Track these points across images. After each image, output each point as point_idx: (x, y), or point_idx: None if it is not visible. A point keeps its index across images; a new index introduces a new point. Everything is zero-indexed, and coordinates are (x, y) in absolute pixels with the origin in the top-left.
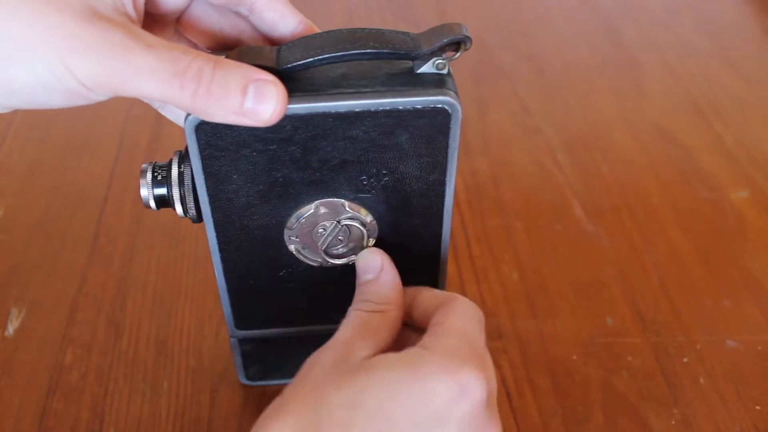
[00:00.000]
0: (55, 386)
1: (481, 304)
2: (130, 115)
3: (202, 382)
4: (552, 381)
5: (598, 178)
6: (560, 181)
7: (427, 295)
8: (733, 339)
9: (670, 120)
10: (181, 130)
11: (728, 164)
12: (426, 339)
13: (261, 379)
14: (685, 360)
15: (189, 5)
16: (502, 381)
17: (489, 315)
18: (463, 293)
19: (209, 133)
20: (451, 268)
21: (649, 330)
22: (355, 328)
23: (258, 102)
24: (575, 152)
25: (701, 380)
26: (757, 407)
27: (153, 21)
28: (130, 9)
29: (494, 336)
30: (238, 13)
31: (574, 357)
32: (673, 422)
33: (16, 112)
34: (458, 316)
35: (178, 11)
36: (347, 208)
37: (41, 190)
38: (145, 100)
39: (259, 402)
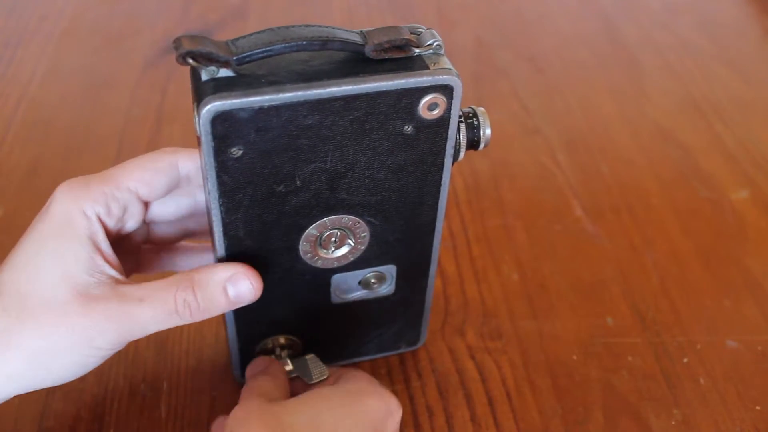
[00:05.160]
0: (55, 386)
1: (481, 304)
2: (130, 115)
3: (201, 382)
4: (552, 381)
5: (598, 178)
6: (560, 181)
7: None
8: (733, 339)
9: (670, 120)
10: (180, 132)
11: (728, 164)
12: (342, 380)
13: None
14: (686, 360)
15: (147, 212)
16: (502, 381)
17: (489, 315)
18: (463, 293)
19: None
20: (451, 268)
21: (649, 330)
22: (261, 379)
23: (239, 290)
24: (575, 152)
25: (701, 380)
26: (757, 407)
27: (126, 242)
28: (108, 270)
29: (494, 336)
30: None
31: (574, 357)
32: (673, 422)
33: (16, 112)
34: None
35: (144, 235)
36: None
37: (41, 190)
38: None
39: None
